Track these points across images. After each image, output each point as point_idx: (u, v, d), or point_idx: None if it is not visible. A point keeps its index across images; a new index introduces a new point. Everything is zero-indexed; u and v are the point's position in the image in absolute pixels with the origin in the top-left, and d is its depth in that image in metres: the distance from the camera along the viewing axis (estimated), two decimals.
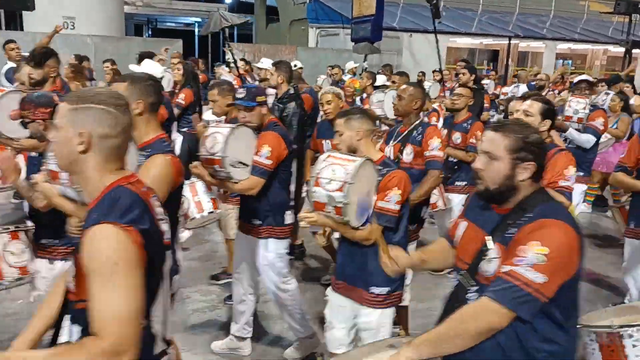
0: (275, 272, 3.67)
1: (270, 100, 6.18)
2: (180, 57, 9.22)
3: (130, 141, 1.78)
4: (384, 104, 6.19)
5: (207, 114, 6.81)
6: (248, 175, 3.40)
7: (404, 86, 4.12)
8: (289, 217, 3.66)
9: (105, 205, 1.61)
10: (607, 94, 7.08)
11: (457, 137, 5.15)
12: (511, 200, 1.94)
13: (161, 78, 5.49)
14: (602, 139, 6.42)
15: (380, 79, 7.73)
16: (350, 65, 10.82)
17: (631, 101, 8.34)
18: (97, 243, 1.54)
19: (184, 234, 5.28)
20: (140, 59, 6.27)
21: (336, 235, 3.84)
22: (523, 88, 8.74)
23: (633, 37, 17.36)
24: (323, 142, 4.78)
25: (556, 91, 11.45)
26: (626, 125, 7.09)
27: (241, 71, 9.24)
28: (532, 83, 8.94)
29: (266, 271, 3.68)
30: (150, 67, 5.42)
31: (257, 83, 7.82)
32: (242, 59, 10.76)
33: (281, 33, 24.34)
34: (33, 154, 3.24)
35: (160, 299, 1.76)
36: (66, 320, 1.79)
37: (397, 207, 2.82)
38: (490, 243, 1.92)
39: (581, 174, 4.39)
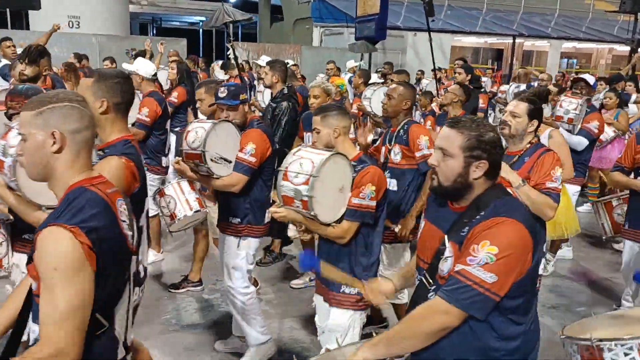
0: (240, 273, 3.59)
1: (267, 98, 6.19)
2: (178, 56, 9.23)
3: (96, 137, 1.81)
4: (371, 101, 6.16)
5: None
6: (230, 171, 3.36)
7: (393, 86, 4.07)
8: (268, 216, 3.58)
9: (61, 207, 1.63)
10: (612, 91, 7.09)
11: None
12: (466, 197, 1.93)
13: (154, 75, 5.48)
14: (604, 136, 6.41)
15: (374, 77, 7.72)
16: (350, 64, 10.84)
17: (633, 98, 8.33)
18: (41, 247, 1.56)
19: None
20: (135, 58, 6.29)
21: None
22: (523, 88, 8.72)
23: (638, 36, 17.28)
24: (305, 135, 4.79)
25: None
26: (626, 119, 7.08)
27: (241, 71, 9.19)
28: (532, 83, 8.91)
29: (232, 271, 3.60)
30: (143, 65, 5.41)
31: (256, 82, 7.79)
32: (245, 61, 10.80)
33: (285, 32, 24.36)
34: None
35: (123, 303, 1.76)
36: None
37: (373, 203, 2.76)
38: (446, 241, 1.92)
39: (574, 174, 4.37)
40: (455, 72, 7.66)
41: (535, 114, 3.17)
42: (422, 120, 6.69)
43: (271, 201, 3.52)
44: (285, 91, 4.94)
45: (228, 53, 6.24)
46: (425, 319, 1.85)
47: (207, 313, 4.49)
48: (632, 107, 8.18)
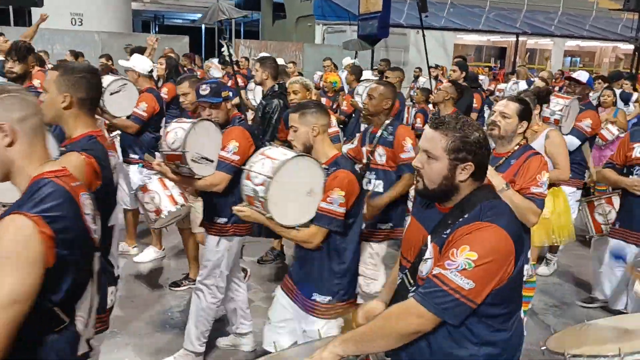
0: (214, 271, 3.52)
1: (258, 97, 6.13)
2: (174, 52, 9.21)
3: (45, 126, 1.77)
4: (363, 97, 6.15)
5: None
6: (213, 171, 3.29)
7: (374, 85, 3.98)
8: None
9: (24, 196, 1.61)
10: (608, 89, 7.03)
11: None
12: (452, 199, 1.87)
13: (151, 72, 5.46)
14: (609, 135, 6.35)
15: (366, 74, 7.69)
16: (347, 61, 10.84)
17: (634, 97, 8.28)
18: (0, 234, 1.53)
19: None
20: (131, 54, 6.26)
21: None
22: (522, 85, 8.68)
23: None
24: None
25: (556, 88, 11.42)
26: (625, 117, 7.01)
27: (236, 68, 9.11)
28: (532, 80, 8.88)
29: (206, 266, 3.54)
30: (139, 61, 5.39)
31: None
32: (244, 57, 10.76)
33: (288, 29, 24.33)
34: None
35: (87, 299, 1.73)
36: None
37: (342, 210, 2.61)
38: (429, 241, 1.86)
39: (570, 175, 4.30)
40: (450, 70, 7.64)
41: (525, 114, 3.08)
42: (419, 119, 6.57)
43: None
44: (276, 88, 4.89)
45: (222, 50, 6.20)
46: (398, 320, 1.79)
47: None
48: (631, 106, 8.15)
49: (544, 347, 2.27)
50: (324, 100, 8.14)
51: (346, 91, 8.06)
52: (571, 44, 22.19)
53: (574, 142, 4.92)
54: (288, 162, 2.55)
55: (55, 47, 14.27)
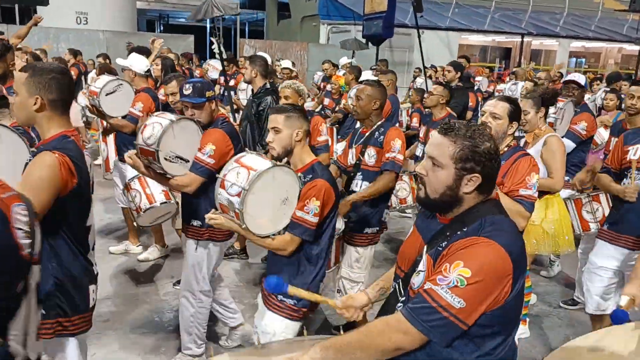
0: (197, 276, 3.47)
1: (242, 94, 6.08)
2: (170, 53, 9.20)
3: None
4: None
5: None
6: (186, 171, 3.20)
7: (361, 86, 3.89)
8: None
9: None
10: (606, 91, 6.92)
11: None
12: (454, 211, 1.75)
13: (147, 71, 5.46)
14: (599, 138, 6.28)
15: (366, 74, 7.66)
16: (343, 60, 10.84)
17: None
18: None
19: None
20: (131, 54, 6.26)
21: None
22: (520, 85, 8.65)
23: None
24: None
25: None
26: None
27: (235, 68, 9.04)
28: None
29: (187, 273, 3.48)
30: (136, 60, 5.39)
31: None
32: (243, 57, 10.74)
33: (292, 29, 24.37)
34: None
35: (20, 316, 1.60)
36: None
37: (315, 220, 2.57)
38: (424, 252, 1.77)
39: (566, 178, 4.24)
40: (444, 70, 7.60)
41: (515, 115, 2.99)
42: (407, 118, 6.48)
43: None
44: (268, 86, 4.87)
45: (213, 47, 6.17)
46: (381, 335, 1.66)
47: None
48: None
49: None
50: (327, 101, 8.13)
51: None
52: (576, 44, 22.13)
53: (569, 144, 4.85)
54: (264, 173, 2.47)
55: (60, 45, 14.33)
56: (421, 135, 5.52)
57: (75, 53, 9.86)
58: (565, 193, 4.50)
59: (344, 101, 7.06)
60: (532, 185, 2.87)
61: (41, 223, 2.03)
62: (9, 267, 1.51)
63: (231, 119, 5.60)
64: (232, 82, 8.39)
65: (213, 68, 8.73)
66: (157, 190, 3.86)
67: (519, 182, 2.85)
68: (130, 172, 5.15)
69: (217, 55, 6.27)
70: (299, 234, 2.58)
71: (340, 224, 3.74)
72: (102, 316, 4.20)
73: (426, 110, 6.49)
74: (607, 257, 3.58)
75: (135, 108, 4.98)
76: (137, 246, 5.50)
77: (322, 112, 7.75)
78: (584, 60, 23.82)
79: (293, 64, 10.55)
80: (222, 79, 8.13)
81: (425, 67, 10.14)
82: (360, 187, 3.72)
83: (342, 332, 1.89)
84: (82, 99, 6.32)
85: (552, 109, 4.58)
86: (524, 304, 4.06)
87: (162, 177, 3.22)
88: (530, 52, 22.16)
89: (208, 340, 3.85)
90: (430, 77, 10.68)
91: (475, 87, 10.34)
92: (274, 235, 2.60)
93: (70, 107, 2.40)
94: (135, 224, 4.35)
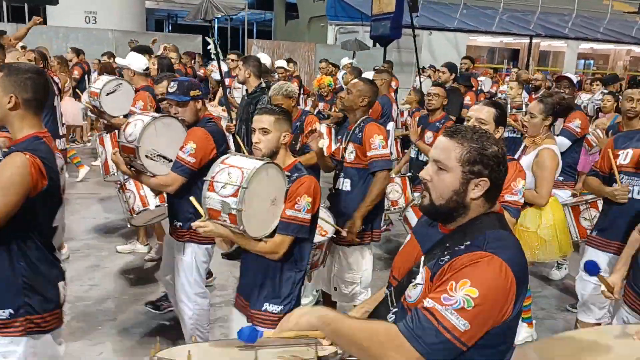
0: (189, 280, 3.44)
1: (237, 92, 6.06)
2: (176, 51, 9.21)
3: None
4: None
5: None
6: (168, 170, 3.17)
7: (355, 80, 3.90)
8: None
9: None
10: (603, 93, 6.89)
11: (429, 136, 5.11)
12: (459, 220, 1.68)
13: (147, 69, 5.48)
14: (595, 142, 6.22)
15: (367, 76, 7.66)
16: (344, 61, 10.81)
17: None
18: None
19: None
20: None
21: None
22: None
23: None
24: None
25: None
26: None
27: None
28: (528, 85, 8.81)
29: (180, 277, 3.46)
30: (134, 59, 5.43)
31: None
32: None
33: (300, 30, 24.37)
34: None
35: None
36: None
37: (308, 216, 2.56)
38: (422, 264, 1.69)
39: (561, 178, 4.18)
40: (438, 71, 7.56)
41: (501, 119, 2.95)
42: (409, 118, 6.45)
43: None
44: (263, 85, 4.91)
45: (209, 47, 6.15)
46: (378, 345, 1.55)
47: (220, 309, 4.45)
48: None
49: None
50: (322, 105, 8.14)
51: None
52: (585, 46, 22.00)
53: (564, 142, 4.87)
54: (259, 169, 2.41)
55: (69, 44, 14.40)
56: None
57: (78, 52, 9.90)
58: (565, 194, 4.47)
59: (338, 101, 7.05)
60: (517, 190, 2.85)
61: (11, 223, 2.14)
62: None
63: (224, 121, 5.62)
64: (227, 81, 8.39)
65: (217, 69, 8.74)
66: (151, 192, 3.86)
67: (504, 188, 2.78)
68: None
69: (212, 56, 6.27)
70: (292, 234, 2.54)
71: (332, 229, 3.74)
72: (109, 315, 4.23)
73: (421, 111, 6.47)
74: (595, 263, 3.53)
75: (136, 107, 5.04)
76: (145, 245, 5.52)
77: (321, 114, 7.73)
78: (592, 62, 23.68)
79: (294, 62, 10.53)
80: (227, 80, 8.13)
81: (419, 69, 10.15)
82: (343, 184, 3.72)
83: None
84: (86, 99, 6.37)
85: None
86: (526, 307, 4.09)
87: (144, 176, 3.19)
88: (539, 54, 22.05)
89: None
90: (429, 77, 10.67)
91: (478, 88, 10.31)
92: (265, 238, 2.52)
93: (43, 108, 2.41)
94: (129, 224, 4.35)
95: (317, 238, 3.60)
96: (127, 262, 5.30)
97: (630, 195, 3.30)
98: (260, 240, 2.51)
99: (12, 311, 2.24)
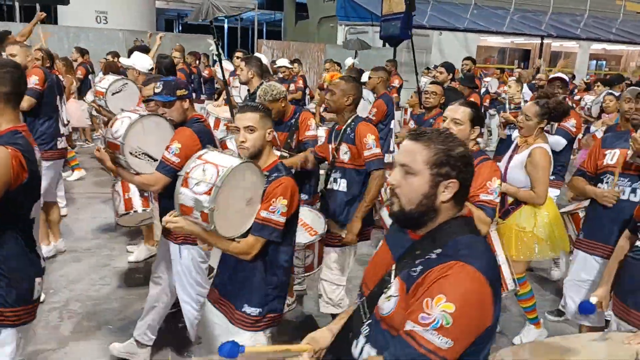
0: (189, 281, 3.41)
1: (243, 94, 6.04)
2: (181, 51, 9.22)
3: None
4: None
5: (210, 107, 6.82)
6: (153, 169, 3.12)
7: (336, 80, 3.85)
8: None
9: None
10: (610, 94, 6.80)
11: None
12: (428, 224, 1.64)
13: (151, 70, 5.47)
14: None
15: (366, 76, 7.58)
16: (348, 62, 10.76)
17: None
18: None
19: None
20: (129, 54, 6.28)
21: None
22: (524, 88, 8.53)
23: None
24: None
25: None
26: None
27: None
28: (533, 83, 8.72)
29: (180, 280, 3.43)
30: (139, 59, 5.42)
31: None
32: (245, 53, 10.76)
33: (310, 30, 24.37)
34: None
35: None
36: None
37: (282, 219, 2.48)
38: (394, 273, 1.65)
39: (552, 177, 4.10)
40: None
41: (477, 120, 2.92)
42: (411, 121, 6.36)
43: None
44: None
45: (210, 49, 6.16)
46: None
47: None
48: None
49: None
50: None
51: None
52: (597, 47, 21.83)
53: (560, 142, 4.85)
54: (235, 168, 2.34)
55: (80, 44, 14.46)
56: None
57: (82, 52, 9.94)
58: (553, 193, 4.41)
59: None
60: (493, 190, 2.80)
61: None
62: None
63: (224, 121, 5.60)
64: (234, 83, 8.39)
65: (225, 70, 8.76)
66: (136, 196, 3.80)
67: (479, 187, 2.78)
68: None
69: (215, 57, 6.27)
70: (265, 236, 2.47)
71: (321, 224, 3.70)
72: (118, 314, 4.23)
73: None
74: (585, 268, 3.47)
75: (142, 107, 5.02)
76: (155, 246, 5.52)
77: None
78: (604, 62, 23.48)
79: (299, 62, 10.49)
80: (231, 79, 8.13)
81: (416, 70, 10.09)
82: (339, 185, 3.69)
83: None
84: (90, 98, 6.39)
85: None
86: (528, 309, 4.02)
87: (127, 173, 3.16)
88: (550, 54, 21.90)
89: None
90: (434, 77, 10.68)
91: (483, 89, 10.18)
92: (238, 238, 2.47)
93: (20, 101, 2.43)
94: (116, 224, 4.33)
95: (307, 238, 3.57)
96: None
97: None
98: (232, 240, 2.45)
99: None
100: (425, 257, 1.56)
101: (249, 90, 5.04)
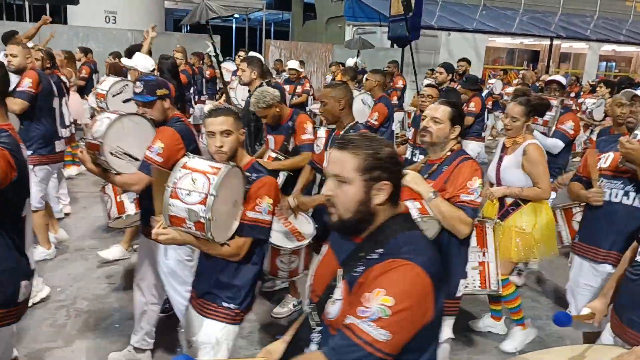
0: (177, 280, 3.40)
1: (240, 95, 6.03)
2: (183, 52, 9.21)
3: None
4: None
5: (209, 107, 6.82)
6: (135, 170, 3.12)
7: (323, 90, 3.83)
8: None
9: None
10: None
11: None
12: (368, 227, 1.66)
13: (153, 70, 5.48)
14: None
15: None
16: (350, 62, 10.73)
17: None
18: None
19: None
20: (128, 54, 6.27)
21: None
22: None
23: None
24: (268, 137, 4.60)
25: (572, 94, 11.10)
26: None
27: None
28: (537, 85, 8.66)
29: (167, 279, 3.41)
30: (140, 60, 5.43)
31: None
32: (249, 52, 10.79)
33: (318, 30, 24.35)
34: None
35: None
36: None
37: (269, 218, 2.51)
38: (340, 277, 1.66)
39: (551, 180, 4.07)
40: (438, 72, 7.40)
41: (457, 119, 2.90)
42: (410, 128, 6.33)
43: None
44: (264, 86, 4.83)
45: (208, 50, 6.16)
46: None
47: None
48: None
49: None
50: None
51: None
52: (607, 48, 21.65)
53: (558, 144, 4.81)
54: (227, 175, 2.32)
55: (89, 44, 14.53)
56: (410, 137, 5.48)
57: (86, 51, 9.95)
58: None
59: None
60: (474, 190, 2.75)
61: None
62: None
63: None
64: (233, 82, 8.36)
65: (226, 70, 8.77)
66: (128, 199, 3.81)
67: (460, 187, 2.74)
68: None
69: (213, 58, 6.28)
70: (254, 235, 2.50)
71: (310, 230, 3.66)
72: (127, 313, 4.23)
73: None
74: (582, 272, 3.43)
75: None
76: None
77: None
78: (614, 64, 23.31)
79: (302, 62, 10.47)
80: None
81: (415, 72, 10.02)
82: None
83: None
84: (92, 100, 6.41)
85: None
86: (513, 309, 4.00)
87: (108, 174, 3.15)
88: (560, 56, 21.76)
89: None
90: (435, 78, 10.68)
91: (487, 91, 10.10)
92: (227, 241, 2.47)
93: (5, 100, 2.44)
94: (108, 226, 4.31)
95: (294, 243, 3.55)
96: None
97: (608, 199, 3.20)
98: (223, 244, 2.45)
99: None
100: (368, 258, 1.58)
101: (249, 90, 5.03)
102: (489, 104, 9.74)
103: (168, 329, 3.98)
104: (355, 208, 1.62)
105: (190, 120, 6.23)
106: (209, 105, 7.40)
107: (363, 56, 15.53)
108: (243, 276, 2.59)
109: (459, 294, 2.92)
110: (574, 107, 9.40)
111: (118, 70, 7.06)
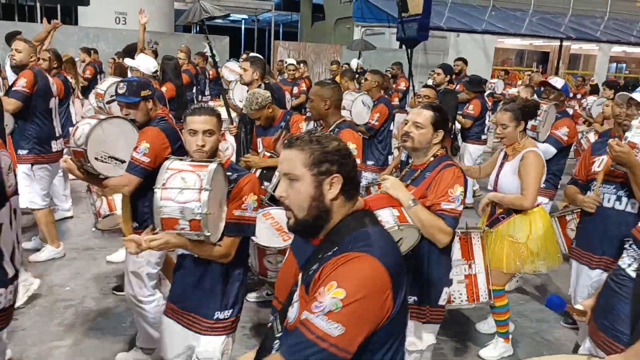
0: (138, 282, 3.39)
1: (237, 95, 6.06)
2: (188, 52, 9.21)
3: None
4: (352, 112, 5.76)
5: None
6: (122, 172, 3.12)
7: (314, 87, 3.85)
8: None
9: None
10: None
11: None
12: (325, 226, 1.63)
13: (155, 72, 5.51)
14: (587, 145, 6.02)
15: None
16: (353, 63, 10.70)
17: None
18: None
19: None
20: (126, 53, 6.30)
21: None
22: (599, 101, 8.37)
23: None
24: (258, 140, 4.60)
25: (578, 95, 11.02)
26: None
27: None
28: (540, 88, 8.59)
29: (131, 277, 3.41)
30: (143, 61, 5.46)
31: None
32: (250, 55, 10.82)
33: (326, 31, 24.39)
34: None
35: None
36: None
37: (255, 214, 2.50)
38: (299, 282, 1.63)
39: (543, 186, 3.96)
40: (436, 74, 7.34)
41: (440, 124, 2.80)
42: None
43: None
44: (263, 88, 4.85)
45: (205, 51, 6.17)
46: None
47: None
48: None
49: None
50: None
51: None
52: (617, 49, 21.53)
53: (550, 150, 4.68)
54: (215, 170, 2.29)
55: (99, 45, 14.64)
56: None
57: (89, 51, 10.04)
58: (541, 201, 4.22)
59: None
60: (455, 198, 2.65)
61: None
62: None
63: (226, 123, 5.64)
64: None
65: (230, 71, 8.82)
66: (119, 197, 3.84)
67: (441, 195, 2.64)
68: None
69: (210, 59, 6.30)
70: (242, 233, 2.48)
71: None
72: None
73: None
74: (581, 277, 3.42)
75: None
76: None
77: None
78: (624, 65, 23.17)
79: (305, 62, 10.47)
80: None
81: (411, 73, 9.96)
82: None
83: None
84: (93, 100, 6.48)
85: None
86: (503, 322, 3.95)
87: (97, 179, 3.16)
88: (569, 57, 21.66)
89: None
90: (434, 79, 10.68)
91: (488, 91, 9.99)
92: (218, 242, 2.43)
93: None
94: (95, 227, 4.33)
95: (281, 243, 3.54)
96: None
97: (600, 204, 3.20)
98: (214, 245, 2.41)
99: None
100: (324, 257, 1.55)
101: (248, 90, 5.04)
102: (490, 104, 9.72)
103: None
104: (309, 204, 1.59)
105: None
106: (211, 104, 7.45)
107: (370, 57, 15.52)
108: (232, 282, 2.56)
109: (442, 302, 2.85)
110: (577, 108, 9.32)
111: (123, 71, 7.11)
